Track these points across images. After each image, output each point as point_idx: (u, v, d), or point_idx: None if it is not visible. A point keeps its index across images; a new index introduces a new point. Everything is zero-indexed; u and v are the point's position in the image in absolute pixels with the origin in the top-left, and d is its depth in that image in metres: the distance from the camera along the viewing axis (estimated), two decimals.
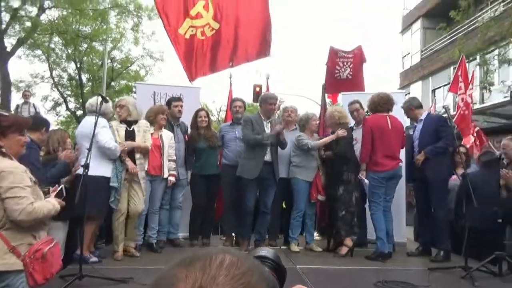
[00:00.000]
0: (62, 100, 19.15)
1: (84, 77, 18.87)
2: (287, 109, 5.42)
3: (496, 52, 9.26)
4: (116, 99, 17.95)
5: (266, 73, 7.28)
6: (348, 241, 4.64)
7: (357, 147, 4.81)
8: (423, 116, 4.78)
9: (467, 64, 11.48)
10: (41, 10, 14.59)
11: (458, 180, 5.11)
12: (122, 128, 4.33)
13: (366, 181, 4.54)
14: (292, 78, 47.64)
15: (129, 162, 4.19)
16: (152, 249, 4.57)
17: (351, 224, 4.67)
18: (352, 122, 5.16)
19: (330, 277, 3.91)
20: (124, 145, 4.18)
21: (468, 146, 6.14)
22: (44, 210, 2.24)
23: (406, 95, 6.90)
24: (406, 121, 5.56)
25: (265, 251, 0.83)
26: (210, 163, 5.08)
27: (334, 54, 5.89)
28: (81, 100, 18.19)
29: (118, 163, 4.15)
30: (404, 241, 5.33)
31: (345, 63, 5.91)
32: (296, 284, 0.75)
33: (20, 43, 14.68)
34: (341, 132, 4.74)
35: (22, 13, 14.08)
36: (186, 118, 5.24)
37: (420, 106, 4.97)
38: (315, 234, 5.43)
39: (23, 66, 38.50)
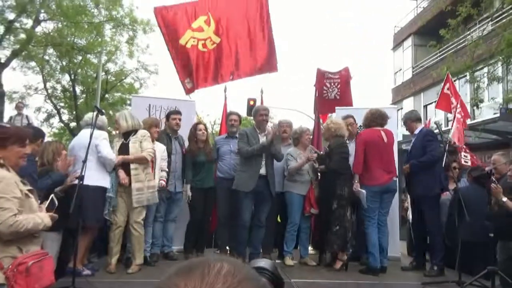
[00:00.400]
0: (56, 112, 19.06)
1: (78, 89, 18.85)
2: (282, 124, 5.43)
3: (486, 70, 9.47)
4: (110, 112, 17.85)
5: (260, 87, 7.35)
6: (343, 256, 4.62)
7: (351, 160, 4.85)
8: (417, 131, 4.84)
9: (457, 81, 11.72)
10: (37, 22, 14.62)
11: (450, 195, 5.18)
12: (119, 142, 4.36)
13: (363, 191, 4.49)
14: (286, 92, 48.03)
15: (121, 173, 4.19)
16: (145, 262, 4.52)
17: (345, 239, 4.61)
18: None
19: None
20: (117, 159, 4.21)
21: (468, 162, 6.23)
22: (30, 224, 2.19)
23: (398, 110, 7.01)
24: (398, 135, 5.64)
25: (263, 262, 0.85)
26: (209, 176, 5.10)
27: (321, 76, 6.05)
28: (74, 112, 18.12)
29: (113, 175, 4.18)
30: (398, 255, 5.34)
31: (332, 84, 6.06)
32: None
33: (14, 54, 14.65)
34: (310, 157, 4.85)
35: (17, 25, 14.10)
36: (181, 131, 5.26)
37: (417, 120, 5.03)
38: (310, 248, 5.43)
39: (16, 77, 38.34)
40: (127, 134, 4.37)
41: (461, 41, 12.15)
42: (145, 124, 4.68)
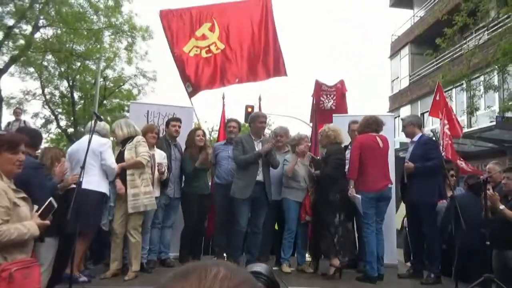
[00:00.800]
0: (53, 117, 19.04)
1: (76, 95, 18.85)
2: (277, 133, 5.39)
3: (482, 78, 9.55)
4: (108, 118, 17.83)
5: (258, 94, 7.40)
6: (335, 261, 4.53)
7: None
8: (416, 138, 4.81)
9: (453, 90, 11.80)
10: (36, 28, 14.67)
11: (445, 203, 5.20)
12: (117, 150, 4.41)
13: (358, 196, 4.45)
14: (284, 99, 48.16)
15: (117, 183, 4.22)
16: (142, 269, 4.50)
17: (332, 244, 4.53)
18: (347, 141, 5.19)
19: None
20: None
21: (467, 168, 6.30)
22: (13, 235, 2.17)
23: (395, 118, 7.07)
24: (395, 143, 5.66)
25: (259, 266, 0.86)
26: (205, 183, 5.13)
27: (318, 87, 6.19)
28: (72, 118, 18.11)
29: (112, 184, 4.22)
30: (395, 263, 5.34)
31: (328, 96, 6.19)
32: None
33: (13, 60, 14.67)
34: (300, 149, 4.88)
35: (16, 31, 14.14)
36: (180, 137, 5.27)
37: (419, 126, 4.98)
38: (307, 255, 5.42)
39: (14, 83, 38.32)
40: (124, 142, 4.40)
41: (457, 50, 12.26)
42: (142, 130, 4.71)
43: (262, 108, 6.94)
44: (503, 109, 9.70)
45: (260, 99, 6.87)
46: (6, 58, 14.52)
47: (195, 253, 5.09)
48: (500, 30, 9.39)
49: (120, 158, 4.31)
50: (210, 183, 5.54)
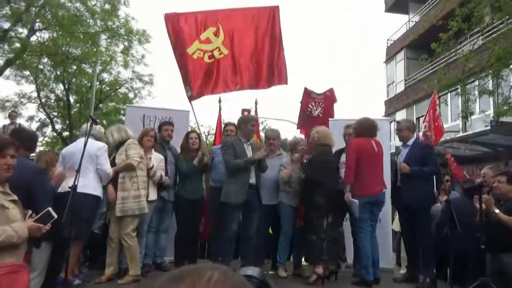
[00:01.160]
0: (49, 121, 18.96)
1: (72, 98, 18.79)
2: (268, 136, 5.35)
3: (476, 83, 9.63)
4: (104, 121, 17.76)
5: (255, 97, 7.40)
6: (318, 269, 4.36)
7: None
8: (410, 142, 4.84)
9: (448, 94, 11.87)
10: (32, 31, 14.64)
11: (440, 207, 5.23)
12: (112, 156, 4.39)
13: (356, 201, 4.41)
14: (280, 102, 48.25)
15: (109, 188, 4.23)
16: None
17: (320, 250, 4.38)
18: (341, 145, 5.17)
19: None
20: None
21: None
22: (1, 236, 2.12)
23: (391, 122, 7.10)
24: (391, 147, 5.67)
25: (251, 270, 0.87)
26: (199, 187, 5.11)
27: (307, 94, 6.18)
28: (68, 122, 18.05)
29: (104, 189, 4.23)
30: (391, 267, 5.35)
31: (316, 103, 6.18)
32: None
33: (8, 63, 14.63)
34: (297, 158, 4.84)
35: (12, 34, 14.10)
36: (175, 141, 5.27)
37: (414, 131, 5.06)
38: (303, 259, 5.41)
39: (9, 86, 38.11)
40: (117, 148, 4.40)
41: (452, 55, 12.36)
42: (140, 135, 4.71)
43: (258, 111, 6.97)
44: (497, 114, 9.78)
45: (256, 102, 6.89)
46: (1, 61, 14.50)
47: (191, 257, 5.07)
48: (494, 35, 9.48)
49: (113, 163, 4.32)
50: (205, 188, 5.53)
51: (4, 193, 2.31)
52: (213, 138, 8.22)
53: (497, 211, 3.90)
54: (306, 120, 6.24)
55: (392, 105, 19.73)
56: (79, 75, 17.73)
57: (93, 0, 15.26)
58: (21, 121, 14.38)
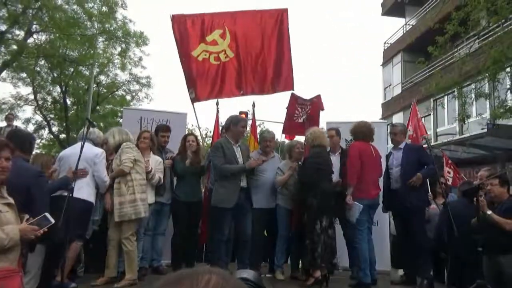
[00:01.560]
0: (45, 123, 18.89)
1: (69, 100, 18.74)
2: (265, 138, 5.29)
3: (473, 86, 9.66)
4: (101, 124, 17.70)
5: (252, 100, 7.36)
6: (316, 273, 4.30)
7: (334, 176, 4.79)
8: (402, 145, 4.87)
9: (445, 97, 11.91)
10: (29, 34, 14.61)
11: (438, 210, 5.24)
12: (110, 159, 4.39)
13: (360, 205, 4.41)
14: (278, 105, 48.19)
15: (106, 197, 4.25)
16: None
17: (313, 254, 4.31)
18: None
19: None
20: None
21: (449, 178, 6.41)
22: None
23: (388, 125, 7.11)
24: (389, 150, 5.66)
25: (246, 273, 0.86)
26: (196, 189, 5.08)
27: (294, 100, 6.17)
28: (65, 124, 17.99)
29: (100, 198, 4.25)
30: (388, 269, 5.35)
31: (303, 109, 6.17)
32: None
33: (5, 65, 14.58)
34: (292, 168, 4.83)
35: (9, 36, 14.06)
36: (172, 144, 5.25)
37: (406, 135, 5.13)
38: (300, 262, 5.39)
39: (6, 88, 38.01)
40: (117, 150, 4.39)
41: (449, 58, 12.41)
42: (136, 138, 4.70)
43: (256, 114, 6.97)
44: (494, 116, 9.81)
45: (254, 105, 6.90)
46: None
47: (189, 260, 5.04)
48: (490, 38, 9.53)
49: (108, 168, 4.32)
50: (203, 190, 5.52)
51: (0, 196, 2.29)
52: (210, 141, 8.20)
53: (489, 212, 3.91)
54: (291, 126, 6.19)
55: (389, 108, 19.78)
56: (76, 77, 17.71)
57: (90, 2, 15.27)
58: (17, 123, 14.34)
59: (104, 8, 15.63)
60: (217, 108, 6.64)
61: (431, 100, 14.72)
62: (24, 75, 17.03)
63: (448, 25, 8.61)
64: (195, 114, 6.02)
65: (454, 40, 10.11)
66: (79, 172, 3.75)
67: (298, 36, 20.20)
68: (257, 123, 10.83)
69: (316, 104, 6.13)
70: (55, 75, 17.22)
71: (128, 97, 19.87)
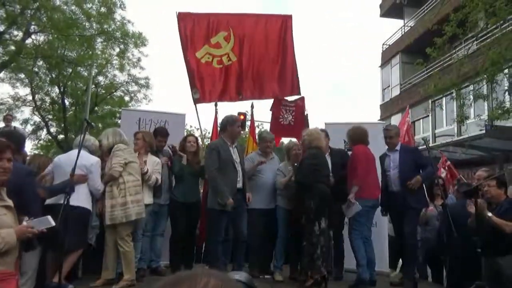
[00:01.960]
0: (44, 124, 18.86)
1: (67, 101, 18.73)
2: (265, 139, 5.26)
3: (471, 87, 9.69)
4: (100, 125, 17.68)
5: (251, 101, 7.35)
6: (314, 274, 4.25)
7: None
8: (397, 147, 4.87)
9: (443, 98, 11.92)
10: (27, 34, 14.59)
11: (435, 211, 5.24)
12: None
13: (359, 206, 4.41)
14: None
15: (99, 204, 4.25)
16: None
17: (312, 256, 4.25)
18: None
19: None
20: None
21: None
22: None
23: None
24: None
25: (238, 275, 0.86)
26: (195, 190, 5.07)
27: (278, 102, 6.17)
28: (63, 125, 17.96)
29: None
30: (387, 270, 5.34)
31: (287, 111, 6.17)
32: None
33: (3, 66, 14.55)
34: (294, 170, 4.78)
35: (7, 36, 14.03)
36: (171, 144, 5.24)
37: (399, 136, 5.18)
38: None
39: (4, 89, 37.94)
40: (110, 151, 4.37)
41: (447, 59, 12.44)
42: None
43: (255, 115, 6.95)
44: (492, 118, 9.84)
45: (252, 106, 6.88)
46: None
47: (187, 261, 5.03)
48: (488, 40, 9.56)
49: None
50: (202, 191, 5.51)
51: None
52: (208, 142, 8.19)
53: (490, 214, 3.91)
54: (278, 128, 6.15)
55: (387, 109, 19.81)
56: (74, 78, 17.69)
57: (89, 3, 15.26)
58: (15, 124, 14.28)
59: (103, 9, 15.63)
60: (216, 109, 6.63)
61: (430, 101, 14.75)
62: (22, 75, 17.01)
63: (446, 27, 8.63)
64: (197, 115, 6.01)
65: (452, 42, 10.14)
66: (79, 176, 3.76)
67: (298, 36, 20.26)
68: (256, 124, 10.81)
69: (299, 107, 6.14)
70: (53, 75, 17.20)
71: (127, 98, 19.88)
